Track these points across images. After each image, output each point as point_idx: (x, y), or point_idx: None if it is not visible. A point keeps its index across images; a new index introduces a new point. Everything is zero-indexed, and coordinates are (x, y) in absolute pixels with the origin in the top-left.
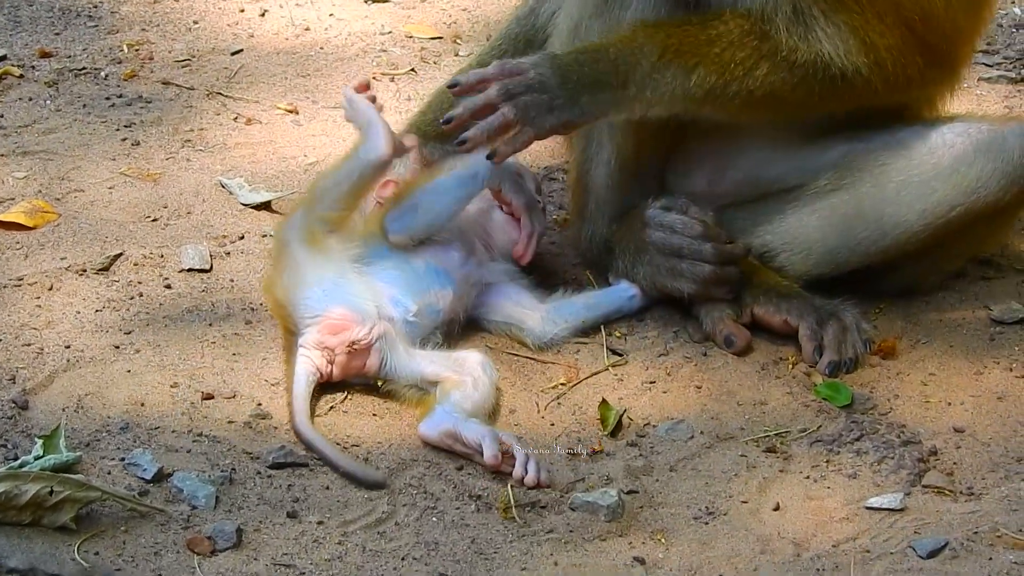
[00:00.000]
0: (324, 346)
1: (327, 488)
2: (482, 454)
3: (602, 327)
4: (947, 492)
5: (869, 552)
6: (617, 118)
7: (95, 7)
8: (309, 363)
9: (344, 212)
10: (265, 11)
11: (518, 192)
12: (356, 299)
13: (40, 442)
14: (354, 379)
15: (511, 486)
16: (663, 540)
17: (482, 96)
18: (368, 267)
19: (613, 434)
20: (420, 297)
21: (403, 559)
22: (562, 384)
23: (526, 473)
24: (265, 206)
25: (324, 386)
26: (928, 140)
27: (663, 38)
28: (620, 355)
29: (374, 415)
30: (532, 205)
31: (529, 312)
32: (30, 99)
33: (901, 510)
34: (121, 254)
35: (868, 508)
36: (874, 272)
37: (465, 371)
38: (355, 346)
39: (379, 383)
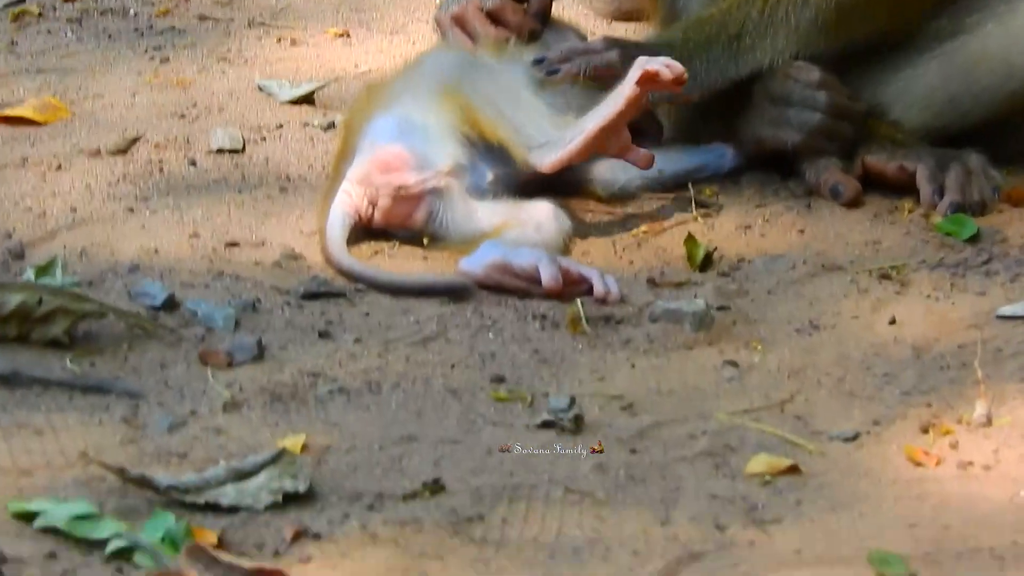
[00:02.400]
0: (369, 183)
1: (367, 315)
2: (539, 282)
3: (690, 185)
4: None
5: (1001, 351)
6: (736, 78)
7: None
8: (347, 200)
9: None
10: None
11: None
12: (427, 144)
13: (32, 270)
14: (398, 230)
15: (580, 301)
16: (760, 348)
17: (583, 44)
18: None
19: (702, 269)
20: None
21: (453, 367)
22: (643, 232)
23: (607, 290)
24: (307, 99)
25: (372, 233)
26: None
27: None
28: (709, 207)
29: (424, 258)
30: None
31: (598, 161)
32: (48, 32)
33: None
34: (140, 137)
35: (1000, 317)
36: (1000, 130)
37: (530, 216)
38: (401, 191)
39: (425, 240)
